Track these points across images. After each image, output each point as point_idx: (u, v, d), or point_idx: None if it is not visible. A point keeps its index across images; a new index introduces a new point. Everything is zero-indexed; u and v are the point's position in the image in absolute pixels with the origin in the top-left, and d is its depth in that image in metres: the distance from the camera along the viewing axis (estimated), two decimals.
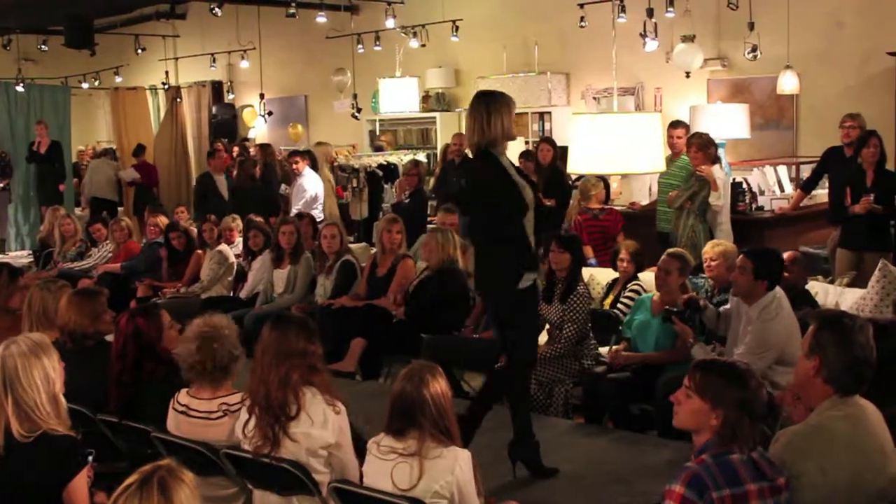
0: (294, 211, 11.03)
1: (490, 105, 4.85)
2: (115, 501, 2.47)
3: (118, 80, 17.88)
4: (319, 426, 3.81)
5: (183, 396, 4.16)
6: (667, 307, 5.92)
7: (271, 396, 3.81)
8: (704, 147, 8.23)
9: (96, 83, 18.15)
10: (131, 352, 4.49)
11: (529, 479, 4.97)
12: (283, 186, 12.66)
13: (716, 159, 8.31)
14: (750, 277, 5.42)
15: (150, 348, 4.50)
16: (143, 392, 4.44)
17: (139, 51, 16.42)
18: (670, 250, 6.52)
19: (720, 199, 8.08)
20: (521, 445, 5.03)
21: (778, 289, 5.47)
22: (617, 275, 7.30)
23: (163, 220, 10.62)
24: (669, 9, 10.76)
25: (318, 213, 11.11)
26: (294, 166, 11.72)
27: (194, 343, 4.05)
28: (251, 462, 3.86)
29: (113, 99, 17.80)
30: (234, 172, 12.20)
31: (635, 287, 6.98)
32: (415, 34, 13.72)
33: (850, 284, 7.22)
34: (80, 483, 3.45)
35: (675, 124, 9.17)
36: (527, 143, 12.19)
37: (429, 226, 9.38)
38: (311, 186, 11.55)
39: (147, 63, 17.71)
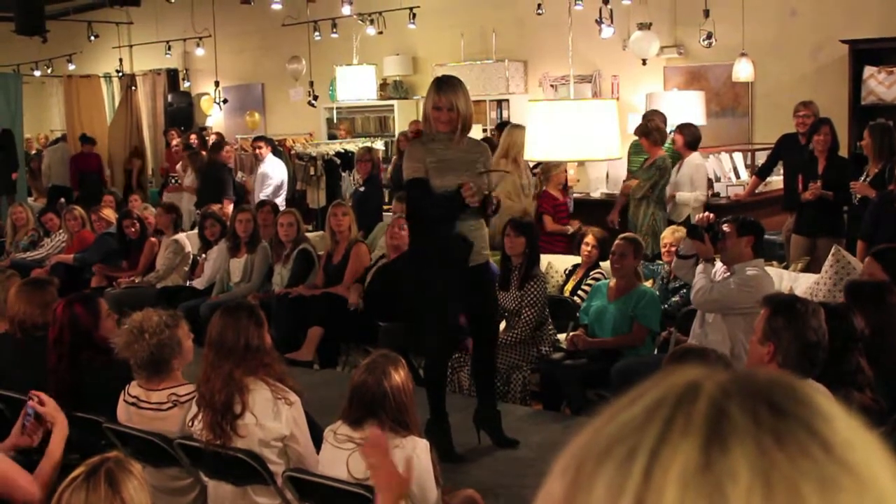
0: (258, 198, 10.91)
1: None
2: (61, 494, 2.42)
3: (71, 67, 17.61)
4: (271, 419, 3.77)
5: (133, 388, 4.10)
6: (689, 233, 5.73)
7: (214, 396, 3.76)
8: (645, 133, 8.30)
9: (49, 71, 17.86)
10: (67, 339, 4.43)
11: (484, 465, 4.96)
12: (239, 174, 12.53)
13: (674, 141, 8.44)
14: (734, 238, 5.33)
15: (87, 336, 4.44)
16: (80, 381, 4.38)
17: (92, 38, 16.13)
18: (623, 234, 6.53)
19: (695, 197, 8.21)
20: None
21: (764, 268, 5.46)
22: (577, 260, 7.26)
23: (107, 213, 10.26)
24: None
25: (280, 201, 10.96)
26: (258, 151, 11.63)
27: (121, 339, 4.01)
28: (205, 453, 3.82)
29: (66, 87, 17.53)
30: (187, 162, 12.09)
31: (597, 275, 6.91)
32: (372, 21, 13.64)
33: (805, 270, 7.29)
34: None
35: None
36: (485, 130, 12.17)
37: (385, 214, 9.31)
38: (275, 173, 11.44)
39: (100, 50, 17.45)
